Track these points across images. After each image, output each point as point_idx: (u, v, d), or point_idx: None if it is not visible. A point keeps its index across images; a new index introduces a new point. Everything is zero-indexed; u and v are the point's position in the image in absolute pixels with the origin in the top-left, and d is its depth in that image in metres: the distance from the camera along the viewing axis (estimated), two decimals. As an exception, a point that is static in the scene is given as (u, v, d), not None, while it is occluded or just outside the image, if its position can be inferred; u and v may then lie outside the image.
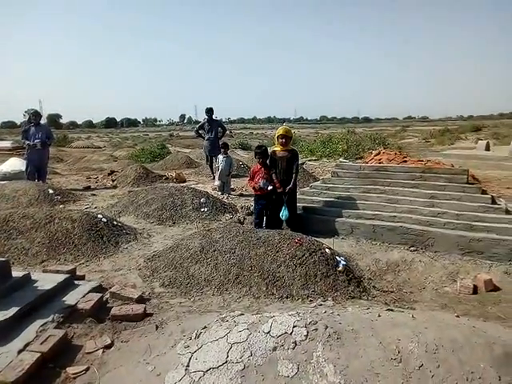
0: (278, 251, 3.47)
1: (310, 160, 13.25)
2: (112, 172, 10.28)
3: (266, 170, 4.62)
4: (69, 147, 28.23)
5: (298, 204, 4.73)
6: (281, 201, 4.43)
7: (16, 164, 10.40)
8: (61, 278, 3.19)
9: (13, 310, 2.63)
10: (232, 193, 7.62)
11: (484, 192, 4.60)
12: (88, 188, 8.77)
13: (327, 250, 3.57)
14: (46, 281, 3.10)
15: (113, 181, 9.29)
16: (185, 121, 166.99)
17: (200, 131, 10.13)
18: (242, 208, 5.38)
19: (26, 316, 2.68)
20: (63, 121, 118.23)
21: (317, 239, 4.30)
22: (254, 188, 4.53)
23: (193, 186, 8.83)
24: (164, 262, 3.83)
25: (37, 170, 8.48)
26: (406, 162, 9.45)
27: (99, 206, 6.76)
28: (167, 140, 38.06)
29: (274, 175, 4.50)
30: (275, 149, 4.59)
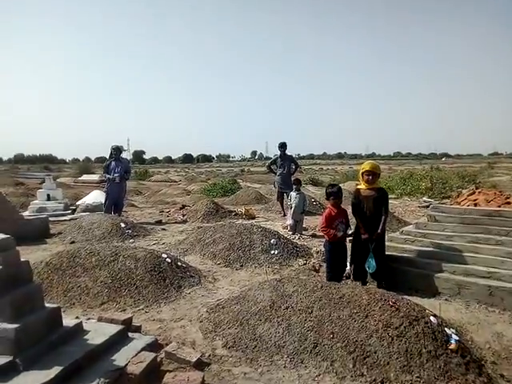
0: (367, 315, 2.76)
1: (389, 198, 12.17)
2: (183, 206, 10.31)
3: (344, 212, 3.98)
4: (148, 181, 30.11)
5: (386, 253, 3.97)
6: (366, 249, 3.72)
7: (97, 197, 10.98)
8: (114, 329, 2.82)
9: (56, 370, 2.27)
10: (304, 233, 7.01)
11: None
12: (159, 222, 8.78)
13: (432, 317, 2.77)
14: (97, 333, 2.75)
15: (183, 215, 9.24)
16: (256, 157, 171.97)
17: (272, 166, 9.81)
18: (317, 253, 4.74)
19: (69, 378, 2.30)
20: (146, 156, 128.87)
21: (413, 300, 3.49)
22: (330, 236, 3.86)
23: (262, 223, 8.40)
24: (228, 315, 3.32)
25: (114, 203, 8.74)
26: (509, 204, 8.08)
27: (167, 241, 6.58)
28: (238, 175, 38.91)
29: (357, 218, 3.83)
30: (360, 187, 3.94)
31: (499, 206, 8.12)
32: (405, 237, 4.16)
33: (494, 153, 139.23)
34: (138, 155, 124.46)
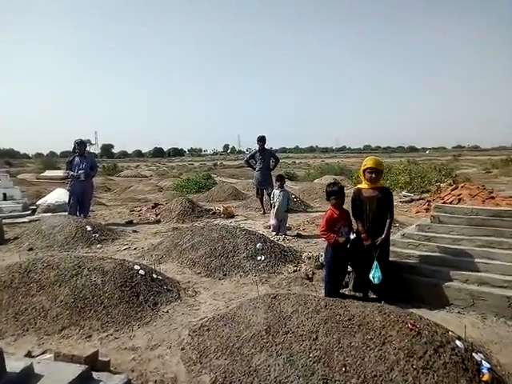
0: (384, 342, 2.33)
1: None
2: (156, 205, 9.63)
3: (347, 214, 3.54)
4: (117, 176, 28.85)
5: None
6: (369, 257, 3.30)
7: (61, 195, 10.08)
8: (75, 371, 2.24)
9: None
10: (288, 233, 6.56)
11: None
12: (130, 223, 8.10)
13: (458, 342, 2.38)
14: (53, 378, 2.17)
15: (156, 215, 8.59)
16: (228, 150, 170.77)
17: (250, 161, 9.30)
18: (309, 259, 4.30)
19: None
20: (115, 150, 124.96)
21: (422, 314, 3.11)
22: (330, 240, 3.41)
23: (242, 222, 7.91)
24: (216, 340, 2.81)
25: (79, 202, 7.97)
26: (493, 198, 7.95)
27: (139, 246, 5.95)
28: (211, 169, 38.16)
29: (358, 221, 3.40)
30: (361, 187, 3.50)
31: (483, 201, 7.98)
32: (407, 240, 3.78)
33: (458, 146, 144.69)
34: (107, 149, 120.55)
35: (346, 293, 3.76)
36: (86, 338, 3.09)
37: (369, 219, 3.36)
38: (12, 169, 38.81)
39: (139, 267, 3.85)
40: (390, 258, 3.58)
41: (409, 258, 3.64)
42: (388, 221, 3.35)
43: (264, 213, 9.00)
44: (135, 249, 5.79)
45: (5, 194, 9.47)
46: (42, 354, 2.79)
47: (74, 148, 8.04)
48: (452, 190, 8.38)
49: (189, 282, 4.21)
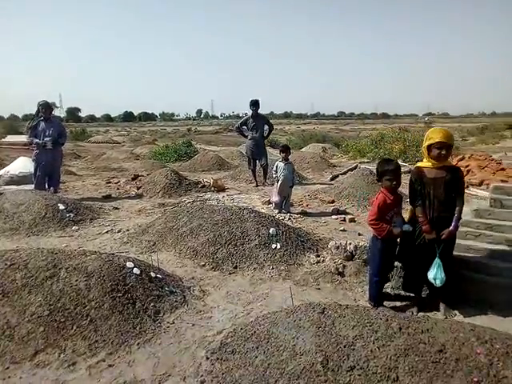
0: (496, 386, 1.70)
1: (361, 162, 11.39)
2: (136, 176, 8.66)
3: (400, 199, 2.83)
4: (87, 142, 27.02)
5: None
6: (429, 253, 2.64)
7: (26, 165, 8.87)
8: None
9: None
10: (291, 209, 5.87)
11: None
12: (108, 197, 7.15)
13: None
14: None
15: (138, 188, 7.66)
16: (201, 115, 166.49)
17: (242, 128, 8.39)
18: (337, 248, 3.61)
19: None
20: (82, 114, 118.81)
21: (496, 325, 2.53)
22: (382, 232, 2.69)
23: (235, 197, 7.15)
24: (248, 371, 2.11)
25: (47, 174, 6.92)
26: (504, 170, 7.50)
27: (124, 228, 5.10)
28: (186, 135, 36.56)
29: (418, 209, 2.70)
30: (422, 165, 2.77)
31: (494, 173, 7.51)
32: (464, 229, 3.14)
33: (428, 113, 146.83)
34: (73, 113, 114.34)
35: (389, 291, 3.14)
36: (68, 365, 2.33)
37: (432, 207, 2.67)
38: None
39: (132, 264, 3.04)
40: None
41: (468, 250, 3.03)
42: (457, 209, 2.67)
43: (257, 185, 8.25)
44: (119, 231, 4.94)
45: (-42, 164, 8.20)
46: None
47: (38, 111, 6.86)
48: (459, 161, 7.91)
49: (193, 277, 3.46)
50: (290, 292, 2.86)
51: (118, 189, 8.02)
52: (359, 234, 4.80)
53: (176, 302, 2.98)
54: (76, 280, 2.81)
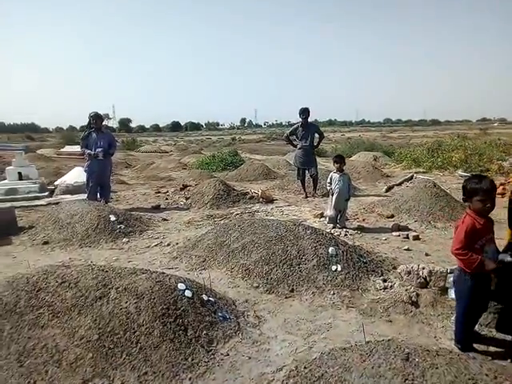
0: None
1: (417, 172, 10.65)
2: (185, 186, 8.63)
3: (492, 224, 2.37)
4: (137, 151, 28.03)
5: None
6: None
7: (80, 175, 9.17)
8: None
9: None
10: (346, 224, 5.47)
11: None
12: (158, 207, 7.14)
13: None
14: None
15: (186, 198, 7.60)
16: (245, 124, 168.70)
17: (291, 137, 8.11)
18: (408, 274, 3.19)
19: None
20: (133, 125, 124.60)
21: None
22: (473, 265, 2.23)
23: (285, 209, 6.85)
24: (317, 425, 1.78)
25: (99, 184, 7.03)
26: None
27: (173, 240, 4.98)
28: (230, 144, 36.89)
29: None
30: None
31: None
32: None
33: (483, 119, 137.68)
34: (124, 123, 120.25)
35: (476, 328, 2.67)
36: (117, 400, 2.14)
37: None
38: (33, 143, 38.55)
39: (184, 286, 2.83)
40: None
41: None
42: None
43: (306, 197, 7.91)
44: (168, 245, 4.81)
45: (20, 174, 8.63)
46: None
47: (89, 123, 6.99)
48: (534, 173, 7.07)
49: (246, 300, 3.19)
50: (363, 327, 2.49)
51: (166, 199, 8.02)
52: (426, 255, 4.32)
53: (230, 329, 2.72)
54: (126, 302, 2.64)
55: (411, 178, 9.82)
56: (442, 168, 10.71)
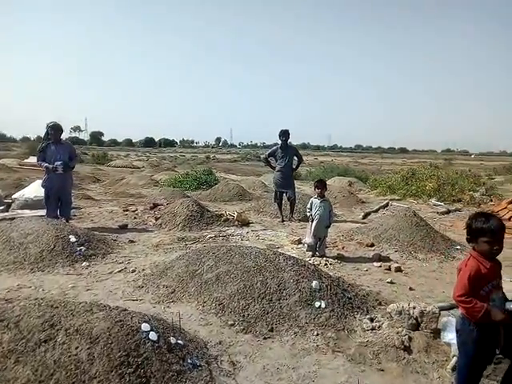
0: None
1: (392, 200, 10.67)
2: (155, 205, 8.16)
3: (499, 267, 2.15)
4: (107, 166, 27.10)
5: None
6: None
7: (41, 188, 8.55)
8: None
9: None
10: (325, 252, 5.21)
11: None
12: (125, 227, 6.64)
13: None
14: None
15: (156, 219, 7.14)
16: (220, 143, 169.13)
17: (270, 159, 7.89)
18: (399, 314, 2.92)
19: None
20: (104, 138, 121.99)
21: None
22: (478, 313, 1.97)
23: (261, 232, 6.55)
24: None
25: (59, 200, 6.47)
26: None
27: (139, 266, 4.53)
28: (204, 162, 36.54)
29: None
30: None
31: None
32: None
33: (447, 149, 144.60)
34: (96, 136, 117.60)
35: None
36: None
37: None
38: (-6, 152, 36.56)
39: (149, 326, 2.43)
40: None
41: None
42: None
43: (282, 221, 7.63)
44: (133, 271, 4.36)
45: (-27, 185, 7.89)
46: None
47: (47, 133, 6.36)
48: (508, 204, 7.15)
49: (220, 342, 2.80)
50: (318, 351, 2.17)
51: (135, 218, 7.52)
52: (410, 289, 4.10)
53: (201, 379, 2.33)
54: (77, 347, 2.20)
55: (387, 205, 9.80)
56: (416, 196, 10.79)
